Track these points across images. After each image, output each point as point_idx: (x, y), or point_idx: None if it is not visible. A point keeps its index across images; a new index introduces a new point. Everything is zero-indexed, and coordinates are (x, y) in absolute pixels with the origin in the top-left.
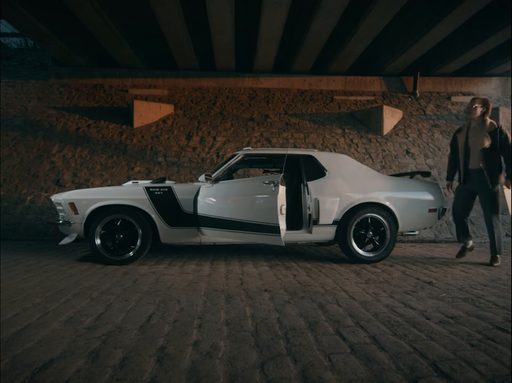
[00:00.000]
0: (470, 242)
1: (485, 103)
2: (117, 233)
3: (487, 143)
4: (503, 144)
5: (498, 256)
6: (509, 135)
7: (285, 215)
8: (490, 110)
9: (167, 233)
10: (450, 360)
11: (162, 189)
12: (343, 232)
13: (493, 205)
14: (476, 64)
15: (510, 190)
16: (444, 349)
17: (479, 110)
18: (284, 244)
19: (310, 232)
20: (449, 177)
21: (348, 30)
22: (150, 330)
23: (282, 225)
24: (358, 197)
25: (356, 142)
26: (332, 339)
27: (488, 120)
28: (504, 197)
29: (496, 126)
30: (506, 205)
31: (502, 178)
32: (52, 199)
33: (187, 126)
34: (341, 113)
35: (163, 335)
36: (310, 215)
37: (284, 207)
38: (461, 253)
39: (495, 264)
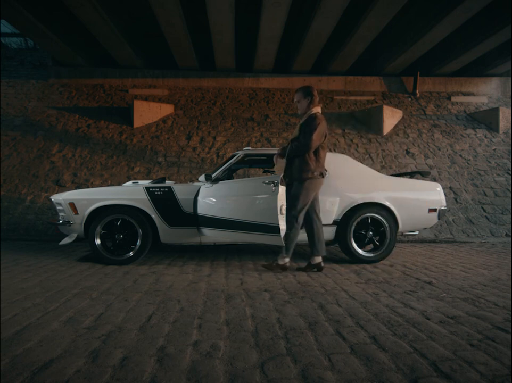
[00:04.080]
0: (286, 258)
1: (305, 92)
2: (117, 233)
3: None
4: (304, 131)
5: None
6: (317, 125)
7: (285, 215)
8: (316, 99)
9: (167, 233)
10: (450, 360)
11: (162, 189)
12: (343, 232)
13: (289, 203)
14: (476, 64)
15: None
16: (444, 349)
17: (304, 103)
18: (284, 244)
19: None
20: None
21: (348, 30)
22: (150, 330)
23: (282, 225)
24: (358, 197)
25: (356, 142)
26: (332, 339)
27: (310, 111)
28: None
29: (309, 116)
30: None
31: (306, 175)
32: (52, 199)
33: (187, 126)
34: (341, 113)
35: (163, 335)
36: None
37: (284, 207)
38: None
39: (313, 269)
